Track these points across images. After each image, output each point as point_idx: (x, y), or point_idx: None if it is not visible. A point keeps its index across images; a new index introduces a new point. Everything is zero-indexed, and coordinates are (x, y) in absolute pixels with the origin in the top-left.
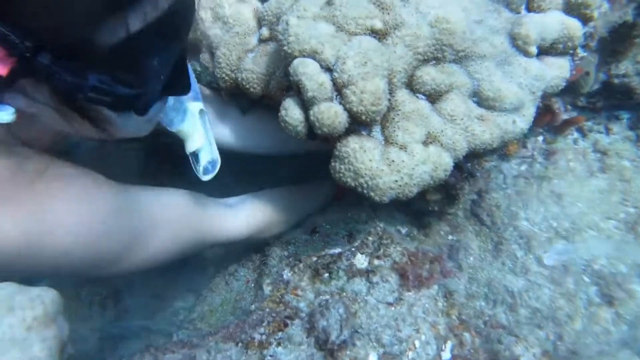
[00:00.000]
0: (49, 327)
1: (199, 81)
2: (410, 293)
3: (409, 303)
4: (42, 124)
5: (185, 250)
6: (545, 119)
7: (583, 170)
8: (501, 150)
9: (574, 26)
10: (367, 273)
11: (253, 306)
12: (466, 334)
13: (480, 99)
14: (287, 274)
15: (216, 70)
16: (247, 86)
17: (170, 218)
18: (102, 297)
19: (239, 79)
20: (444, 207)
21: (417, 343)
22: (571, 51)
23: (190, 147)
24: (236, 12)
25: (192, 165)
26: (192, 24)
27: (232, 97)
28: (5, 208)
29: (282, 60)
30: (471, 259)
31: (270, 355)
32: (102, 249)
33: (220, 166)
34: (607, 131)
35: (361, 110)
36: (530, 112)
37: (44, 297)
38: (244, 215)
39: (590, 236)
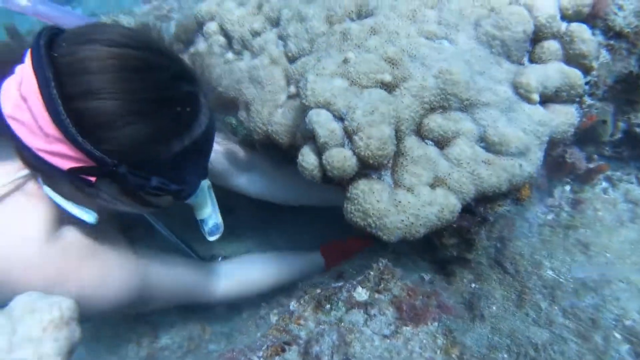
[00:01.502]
0: (62, 329)
1: (235, 135)
2: (408, 327)
3: (406, 337)
4: (105, 206)
5: (183, 304)
6: (566, 169)
7: (612, 220)
8: (514, 195)
9: (574, 75)
10: (366, 305)
11: (259, 334)
12: None
13: (487, 144)
14: (293, 305)
15: (250, 124)
16: (277, 137)
17: (175, 291)
18: (138, 335)
19: (270, 131)
20: (462, 252)
21: None
22: (577, 99)
23: (200, 215)
24: (269, 73)
25: (201, 228)
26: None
27: (264, 148)
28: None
29: (304, 112)
30: (494, 308)
31: None
32: (125, 302)
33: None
34: (638, 181)
35: (368, 154)
36: (536, 156)
37: (62, 304)
38: (231, 285)
39: (620, 289)
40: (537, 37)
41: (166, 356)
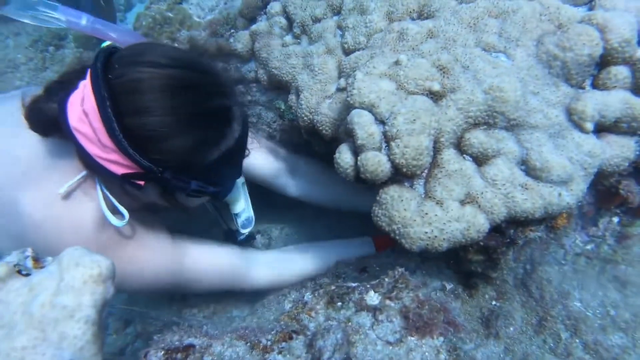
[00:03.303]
0: (99, 285)
1: (281, 118)
2: (413, 338)
3: (409, 347)
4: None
5: (217, 292)
6: (617, 200)
7: None
8: (549, 222)
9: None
10: (375, 310)
11: (272, 317)
12: None
13: (527, 168)
14: (308, 296)
15: (298, 111)
16: (320, 128)
17: (211, 275)
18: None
19: (315, 121)
20: (486, 269)
21: None
22: (639, 132)
23: (234, 209)
24: (322, 62)
25: (234, 221)
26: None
27: (310, 135)
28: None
29: (348, 109)
30: (511, 329)
31: (270, 359)
32: (162, 283)
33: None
34: None
35: (402, 163)
36: (580, 187)
37: (101, 263)
38: (268, 274)
39: None
40: (605, 60)
41: (194, 314)
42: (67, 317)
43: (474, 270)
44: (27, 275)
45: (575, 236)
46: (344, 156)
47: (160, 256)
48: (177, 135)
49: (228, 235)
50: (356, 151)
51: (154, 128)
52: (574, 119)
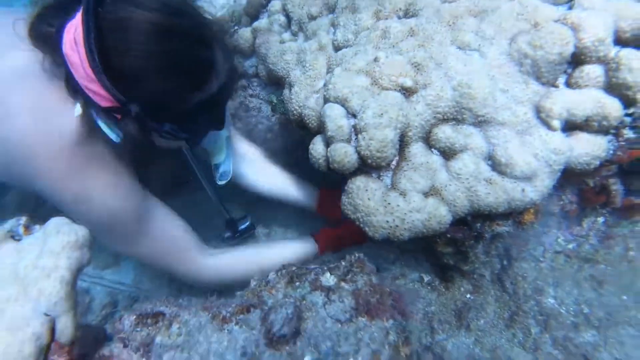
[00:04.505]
0: (75, 251)
1: (273, 112)
2: (363, 319)
3: (358, 327)
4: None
5: (159, 267)
6: (599, 199)
7: None
8: (516, 218)
9: (611, 106)
10: (329, 290)
11: (238, 293)
12: None
13: (493, 163)
14: (272, 275)
15: (288, 105)
16: (307, 121)
17: (162, 238)
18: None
19: (303, 114)
20: (458, 262)
21: None
22: (612, 130)
23: (214, 160)
24: (314, 58)
25: (213, 172)
26: (234, 89)
27: (301, 129)
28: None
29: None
30: (482, 322)
31: (228, 330)
32: (119, 220)
33: None
34: None
35: (367, 154)
36: (544, 184)
37: (79, 232)
38: (215, 269)
39: (628, 334)
40: (579, 59)
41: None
42: (45, 276)
43: (447, 262)
44: (19, 240)
45: (557, 235)
46: (316, 147)
47: (127, 193)
48: (154, 80)
49: (229, 224)
50: (327, 142)
51: (133, 68)
52: (542, 117)
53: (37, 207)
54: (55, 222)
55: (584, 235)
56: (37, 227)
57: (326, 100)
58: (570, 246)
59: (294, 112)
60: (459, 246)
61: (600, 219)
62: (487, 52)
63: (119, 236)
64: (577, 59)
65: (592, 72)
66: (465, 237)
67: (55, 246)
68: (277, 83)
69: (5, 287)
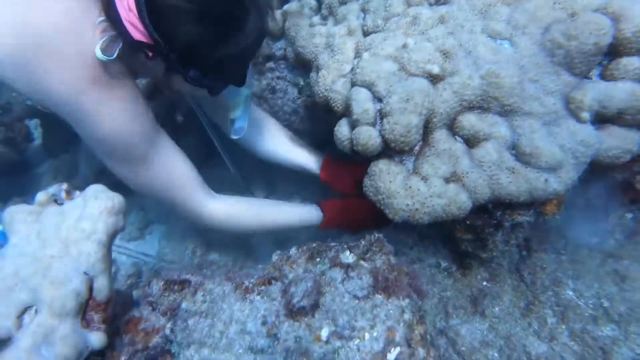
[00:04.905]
0: (111, 217)
1: (300, 94)
2: (380, 296)
3: (375, 303)
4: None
5: (162, 200)
6: (629, 195)
7: None
8: (538, 208)
9: None
10: (348, 267)
11: (260, 266)
12: (421, 350)
13: (518, 153)
14: (293, 251)
15: (315, 87)
16: (333, 104)
17: (171, 173)
18: (195, 245)
19: (329, 97)
20: (476, 249)
21: (366, 335)
22: None
23: (231, 115)
24: (342, 42)
25: (229, 126)
26: (258, 50)
27: (326, 112)
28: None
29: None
30: (497, 309)
31: (250, 299)
32: (125, 147)
33: None
34: None
35: (391, 138)
36: (569, 175)
37: (114, 197)
38: (218, 213)
39: None
40: (617, 50)
41: (213, 270)
42: (85, 238)
43: (465, 249)
44: (61, 204)
45: (581, 228)
46: (342, 129)
47: (140, 118)
48: (189, 24)
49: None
50: (352, 125)
51: (170, 8)
52: (572, 108)
53: (70, 177)
54: (94, 188)
55: (610, 230)
56: (77, 192)
57: (353, 84)
58: (594, 240)
59: (321, 95)
60: (479, 233)
61: (629, 215)
62: (519, 42)
63: (123, 160)
64: (614, 50)
65: (630, 64)
66: (485, 225)
67: (93, 211)
68: (304, 66)
69: (50, 245)
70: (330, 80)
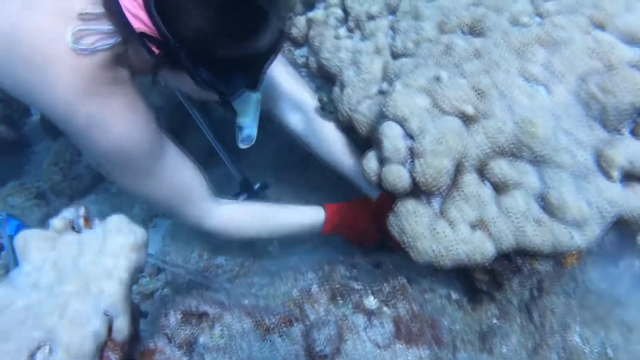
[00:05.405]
0: (134, 253)
1: (322, 110)
2: (400, 345)
3: (395, 352)
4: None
5: (164, 209)
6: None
7: None
8: (558, 258)
9: None
10: (371, 313)
11: (280, 301)
12: None
13: (545, 204)
14: (315, 288)
15: (339, 105)
16: (357, 126)
17: (172, 182)
18: (202, 248)
19: (353, 118)
20: (491, 289)
21: None
22: None
23: (239, 122)
24: (369, 61)
25: (236, 135)
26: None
27: (349, 131)
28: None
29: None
30: (504, 349)
31: (270, 340)
32: (129, 160)
33: None
34: None
35: (422, 181)
36: (593, 231)
37: (137, 232)
38: (221, 220)
39: None
40: None
41: (218, 274)
42: (106, 276)
43: (480, 287)
44: (79, 232)
45: (591, 272)
46: (370, 163)
47: (143, 128)
48: (202, 17)
49: (243, 185)
50: (381, 160)
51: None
52: (602, 164)
53: (73, 163)
54: (115, 220)
55: (618, 277)
56: (96, 220)
57: (384, 116)
58: (602, 285)
59: (344, 114)
60: (496, 276)
61: (638, 263)
62: (555, 89)
63: (124, 173)
64: None
65: None
66: (504, 270)
67: (115, 246)
68: (327, 78)
69: (68, 280)
70: (356, 101)
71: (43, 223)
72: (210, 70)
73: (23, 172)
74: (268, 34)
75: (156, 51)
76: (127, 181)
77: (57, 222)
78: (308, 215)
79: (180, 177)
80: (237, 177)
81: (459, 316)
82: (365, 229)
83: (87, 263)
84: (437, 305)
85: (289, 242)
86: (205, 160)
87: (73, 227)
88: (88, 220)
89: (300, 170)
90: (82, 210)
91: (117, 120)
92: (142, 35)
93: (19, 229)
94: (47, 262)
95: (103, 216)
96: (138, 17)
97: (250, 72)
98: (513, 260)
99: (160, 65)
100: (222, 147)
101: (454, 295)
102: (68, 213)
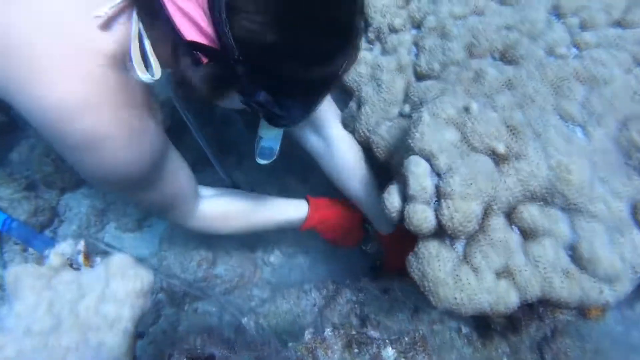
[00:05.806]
0: (139, 299)
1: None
2: None
3: None
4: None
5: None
6: None
7: None
8: (582, 310)
9: None
10: None
11: (291, 344)
12: None
13: (575, 255)
14: (328, 332)
15: (356, 124)
16: (375, 149)
17: (165, 194)
18: (201, 257)
19: (371, 140)
20: (506, 331)
21: None
22: None
23: (262, 133)
24: (391, 80)
25: (255, 147)
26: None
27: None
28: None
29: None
30: None
31: None
32: (133, 179)
33: None
34: None
35: (449, 225)
36: (624, 288)
37: (144, 278)
38: (204, 218)
39: None
40: None
41: (217, 284)
42: (107, 327)
43: (494, 328)
44: (77, 269)
45: (606, 315)
46: (392, 199)
47: (149, 144)
48: (276, 30)
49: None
50: (405, 196)
51: (255, 4)
52: (638, 217)
53: (58, 171)
54: (119, 262)
55: (635, 321)
56: (97, 259)
57: (410, 149)
58: (618, 329)
59: (362, 134)
60: (514, 321)
61: None
62: (593, 132)
63: (124, 187)
64: None
65: None
66: (524, 317)
67: (118, 292)
68: (344, 91)
69: (66, 332)
70: (374, 122)
71: (33, 216)
72: (270, 91)
73: (11, 157)
74: (341, 60)
75: (204, 60)
76: (118, 191)
77: (54, 259)
78: (290, 210)
79: (175, 186)
80: (226, 181)
81: (468, 352)
82: (347, 230)
83: (87, 310)
84: (446, 338)
85: (291, 254)
86: (195, 161)
87: (72, 265)
88: (88, 257)
89: (302, 178)
90: (81, 245)
91: (119, 136)
92: (192, 43)
93: (6, 222)
94: (41, 303)
95: (96, 211)
96: (195, 22)
97: (313, 98)
98: (535, 308)
99: (196, 73)
100: (212, 151)
101: (464, 329)
102: (67, 248)
